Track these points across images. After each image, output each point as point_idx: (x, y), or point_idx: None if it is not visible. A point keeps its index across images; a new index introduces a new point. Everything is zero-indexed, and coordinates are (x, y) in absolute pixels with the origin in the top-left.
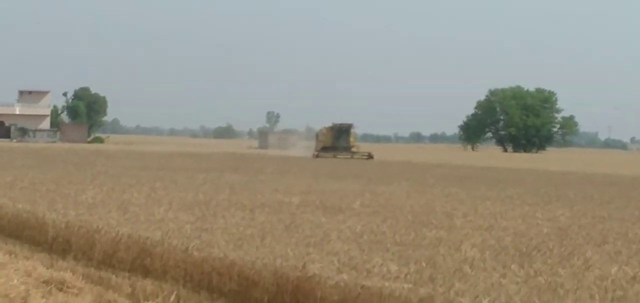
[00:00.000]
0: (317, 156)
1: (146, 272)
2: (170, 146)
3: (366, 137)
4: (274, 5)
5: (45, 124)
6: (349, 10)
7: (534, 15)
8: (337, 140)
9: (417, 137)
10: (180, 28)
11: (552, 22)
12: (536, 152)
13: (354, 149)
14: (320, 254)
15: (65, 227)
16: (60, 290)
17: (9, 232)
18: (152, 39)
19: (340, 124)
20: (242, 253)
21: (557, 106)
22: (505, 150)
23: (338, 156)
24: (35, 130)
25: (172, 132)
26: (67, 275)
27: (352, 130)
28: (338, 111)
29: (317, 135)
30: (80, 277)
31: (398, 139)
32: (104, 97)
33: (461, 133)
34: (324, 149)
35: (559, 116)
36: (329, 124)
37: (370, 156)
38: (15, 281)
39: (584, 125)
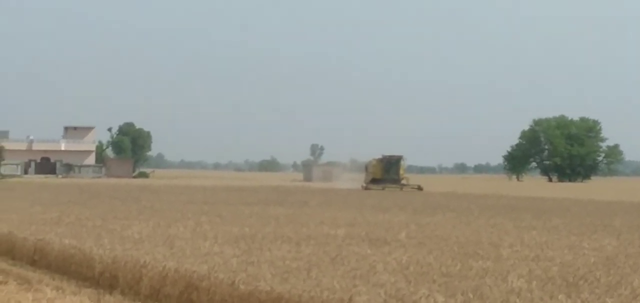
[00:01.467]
0: (366, 188)
1: None
2: (214, 180)
3: (410, 169)
4: (316, 40)
5: (91, 160)
6: (391, 40)
7: (577, 43)
8: (386, 172)
9: (461, 168)
10: (224, 63)
11: (595, 51)
12: (581, 182)
13: (403, 181)
14: (366, 286)
15: (112, 262)
16: None
17: (56, 268)
18: (195, 74)
19: (390, 156)
20: (288, 286)
21: (602, 135)
22: (550, 180)
23: (388, 188)
24: (81, 166)
25: (217, 166)
26: None
27: (401, 162)
28: (381, 143)
29: (366, 167)
30: None
31: (442, 169)
32: (148, 132)
33: (506, 163)
34: (374, 180)
35: (603, 145)
36: (379, 156)
37: (420, 188)
38: None
39: (629, 154)
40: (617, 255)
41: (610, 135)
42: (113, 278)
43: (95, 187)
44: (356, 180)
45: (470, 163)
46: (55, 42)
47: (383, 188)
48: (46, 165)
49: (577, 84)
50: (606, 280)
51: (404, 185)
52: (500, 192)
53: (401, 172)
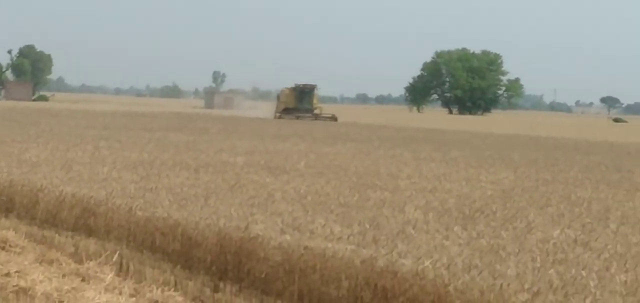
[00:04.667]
0: (279, 117)
1: (89, 232)
2: (115, 105)
3: None
4: None
5: None
6: None
7: None
8: (299, 101)
9: (363, 99)
10: None
11: None
12: (481, 115)
13: (316, 111)
14: (264, 215)
15: (8, 186)
16: (3, 248)
17: None
18: None
19: (304, 85)
20: (185, 213)
21: (503, 69)
22: (451, 112)
23: (301, 118)
24: None
25: (118, 91)
26: (10, 234)
27: (315, 92)
28: (286, 72)
29: (278, 96)
30: (23, 236)
31: (344, 99)
32: (49, 55)
33: (407, 95)
34: (286, 110)
35: (504, 79)
36: (292, 85)
37: (334, 118)
38: None
39: (529, 88)
40: (513, 188)
41: (511, 69)
42: (9, 201)
43: None
44: (258, 108)
45: (372, 95)
46: None
47: (297, 118)
48: None
49: (480, 16)
50: (502, 213)
51: (317, 115)
52: (401, 123)
53: (315, 101)
